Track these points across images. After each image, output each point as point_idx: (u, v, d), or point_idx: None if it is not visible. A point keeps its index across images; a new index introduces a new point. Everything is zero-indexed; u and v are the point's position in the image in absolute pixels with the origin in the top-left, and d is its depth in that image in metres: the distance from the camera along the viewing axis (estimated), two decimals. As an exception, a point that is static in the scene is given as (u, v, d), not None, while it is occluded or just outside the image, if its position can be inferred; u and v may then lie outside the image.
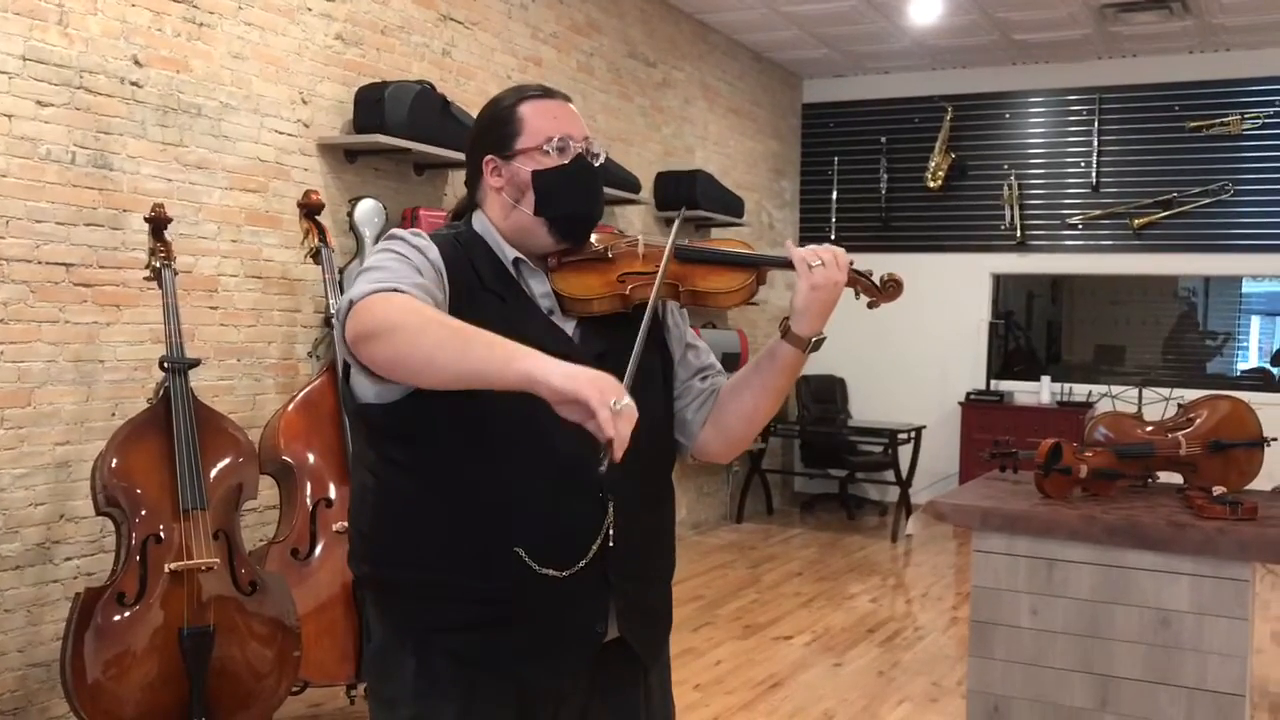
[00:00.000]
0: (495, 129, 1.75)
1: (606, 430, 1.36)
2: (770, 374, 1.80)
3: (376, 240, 4.61)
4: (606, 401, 1.36)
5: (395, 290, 1.52)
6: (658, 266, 1.69)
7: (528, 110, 1.73)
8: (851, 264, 1.74)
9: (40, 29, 3.60)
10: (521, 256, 1.74)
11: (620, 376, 1.44)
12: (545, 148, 1.71)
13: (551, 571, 1.64)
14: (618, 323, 1.72)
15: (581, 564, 1.65)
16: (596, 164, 1.76)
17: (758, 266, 1.76)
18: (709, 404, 1.85)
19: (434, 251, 1.66)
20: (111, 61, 3.81)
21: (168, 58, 4.01)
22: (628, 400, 1.38)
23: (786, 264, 1.73)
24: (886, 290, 1.79)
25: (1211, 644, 2.89)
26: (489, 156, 1.74)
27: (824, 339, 1.76)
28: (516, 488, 1.64)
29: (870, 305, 1.82)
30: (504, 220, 1.74)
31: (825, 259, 1.70)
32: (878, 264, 1.86)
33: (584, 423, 1.38)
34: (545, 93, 1.77)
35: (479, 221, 1.77)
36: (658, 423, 1.80)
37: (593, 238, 1.78)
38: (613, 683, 1.76)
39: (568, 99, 1.78)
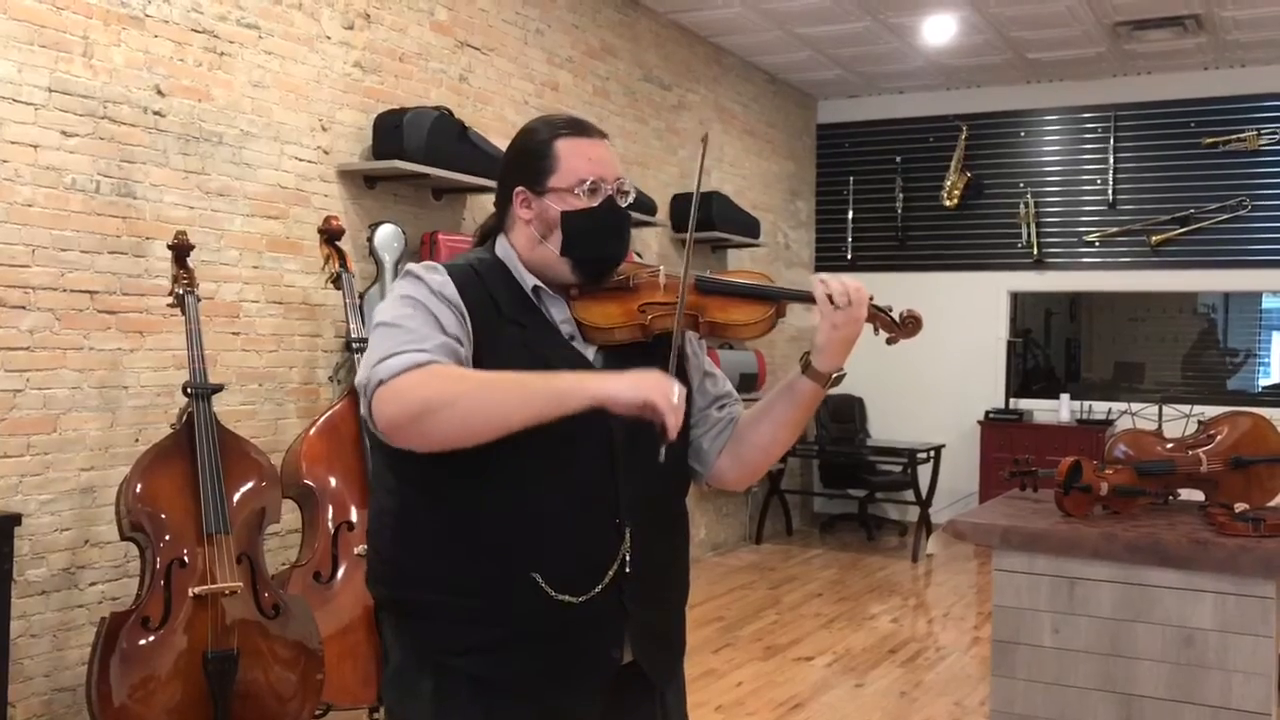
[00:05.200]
0: (530, 161, 1.75)
1: (673, 431, 1.52)
2: (789, 407, 1.81)
3: (396, 266, 4.66)
4: (670, 400, 1.51)
5: (422, 363, 1.54)
6: (678, 297, 1.70)
7: (564, 148, 1.73)
8: (871, 299, 1.75)
9: (65, 60, 3.66)
10: (541, 284, 1.75)
11: None
12: (577, 190, 1.71)
13: (568, 598, 1.65)
14: (638, 351, 1.73)
15: (597, 590, 1.66)
16: (625, 204, 1.77)
17: (778, 300, 1.77)
18: (726, 433, 1.86)
19: (450, 288, 1.66)
20: (134, 91, 3.87)
21: (189, 87, 4.06)
22: (680, 388, 1.53)
23: (808, 298, 1.74)
24: (905, 327, 1.80)
25: (1236, 662, 2.87)
26: (520, 188, 1.75)
27: (844, 375, 1.78)
28: (535, 514, 1.65)
29: (889, 341, 1.82)
30: (529, 251, 1.75)
31: (853, 297, 1.71)
32: (894, 283, 1.88)
33: (643, 414, 1.52)
34: (582, 130, 1.76)
35: (502, 246, 1.78)
36: (674, 450, 1.82)
37: None
38: (629, 704, 1.77)
39: (604, 135, 1.78)
